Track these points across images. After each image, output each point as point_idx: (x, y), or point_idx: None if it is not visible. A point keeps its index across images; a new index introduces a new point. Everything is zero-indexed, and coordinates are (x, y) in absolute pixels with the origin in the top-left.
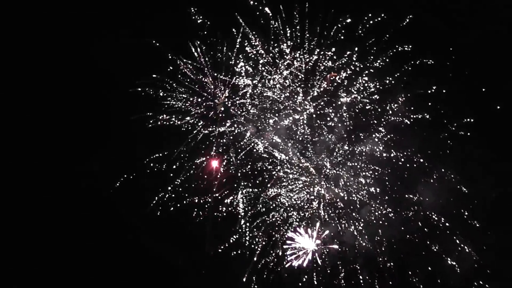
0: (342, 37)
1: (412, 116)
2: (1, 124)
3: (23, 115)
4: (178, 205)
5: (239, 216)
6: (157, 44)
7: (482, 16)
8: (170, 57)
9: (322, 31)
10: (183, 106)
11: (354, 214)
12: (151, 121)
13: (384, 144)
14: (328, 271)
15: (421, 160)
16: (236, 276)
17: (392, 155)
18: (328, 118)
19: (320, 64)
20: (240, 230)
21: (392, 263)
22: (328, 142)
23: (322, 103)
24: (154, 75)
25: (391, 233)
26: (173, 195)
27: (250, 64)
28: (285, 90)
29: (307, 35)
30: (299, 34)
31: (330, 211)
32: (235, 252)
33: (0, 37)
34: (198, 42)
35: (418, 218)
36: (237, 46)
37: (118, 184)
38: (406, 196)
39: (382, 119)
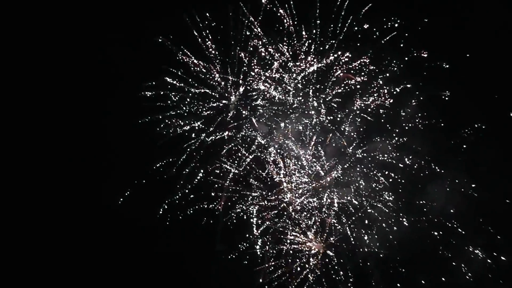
0: (358, 44)
1: (425, 122)
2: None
3: (25, 118)
4: (188, 212)
5: (252, 223)
6: (170, 46)
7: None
8: (181, 59)
9: (335, 35)
10: (192, 110)
11: (366, 221)
12: (161, 125)
13: (396, 148)
14: (338, 277)
15: (432, 165)
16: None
17: (405, 160)
18: (340, 121)
19: (334, 67)
20: (251, 237)
21: (403, 269)
22: (340, 146)
23: (335, 106)
24: (166, 78)
25: (402, 238)
26: (183, 202)
27: (263, 65)
28: (297, 93)
29: (322, 39)
30: (313, 36)
31: (341, 215)
32: (246, 262)
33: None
34: (210, 43)
35: (429, 223)
36: (250, 49)
37: (128, 193)
38: (417, 202)
39: (395, 124)
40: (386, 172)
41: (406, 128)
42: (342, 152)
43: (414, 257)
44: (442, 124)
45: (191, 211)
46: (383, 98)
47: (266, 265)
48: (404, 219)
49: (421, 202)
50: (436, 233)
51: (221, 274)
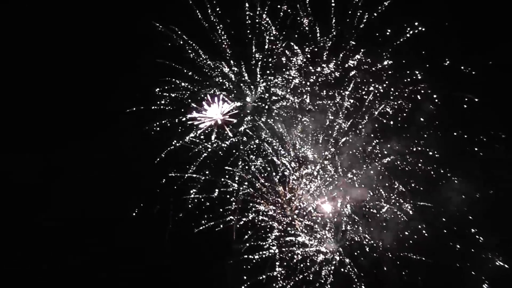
0: (379, 50)
1: (443, 126)
2: None
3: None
4: (204, 222)
5: (267, 228)
6: (188, 50)
7: None
8: (199, 63)
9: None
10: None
11: (381, 225)
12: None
13: (412, 152)
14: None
15: (448, 171)
16: None
17: (421, 164)
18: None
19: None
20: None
21: (418, 272)
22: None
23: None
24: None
25: (417, 241)
26: (197, 212)
27: (280, 67)
28: (315, 96)
29: (343, 45)
30: (334, 39)
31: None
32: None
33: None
34: (226, 47)
35: (444, 227)
36: (268, 53)
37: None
38: (431, 204)
39: (412, 127)
40: (402, 175)
41: (425, 136)
42: (358, 155)
43: (429, 260)
44: (460, 131)
45: (206, 219)
46: (401, 102)
47: (280, 270)
48: (418, 222)
49: (436, 206)
50: (451, 238)
51: (235, 280)
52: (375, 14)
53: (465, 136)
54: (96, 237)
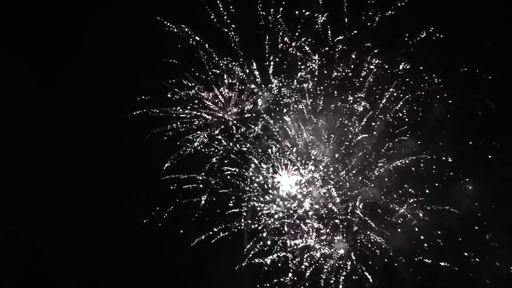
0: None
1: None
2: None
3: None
4: (215, 229)
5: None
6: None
7: None
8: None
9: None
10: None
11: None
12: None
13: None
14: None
15: (460, 176)
16: None
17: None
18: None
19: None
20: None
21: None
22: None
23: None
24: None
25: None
26: (207, 218)
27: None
28: (328, 97)
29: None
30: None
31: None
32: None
33: None
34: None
35: (455, 230)
36: (283, 55)
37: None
38: (442, 207)
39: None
40: (414, 179)
41: (440, 143)
42: (371, 159)
43: (441, 264)
44: (474, 136)
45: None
46: (415, 105)
47: (290, 275)
48: (431, 226)
49: (449, 210)
50: (465, 243)
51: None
52: (387, 14)
53: (480, 143)
54: (103, 240)
